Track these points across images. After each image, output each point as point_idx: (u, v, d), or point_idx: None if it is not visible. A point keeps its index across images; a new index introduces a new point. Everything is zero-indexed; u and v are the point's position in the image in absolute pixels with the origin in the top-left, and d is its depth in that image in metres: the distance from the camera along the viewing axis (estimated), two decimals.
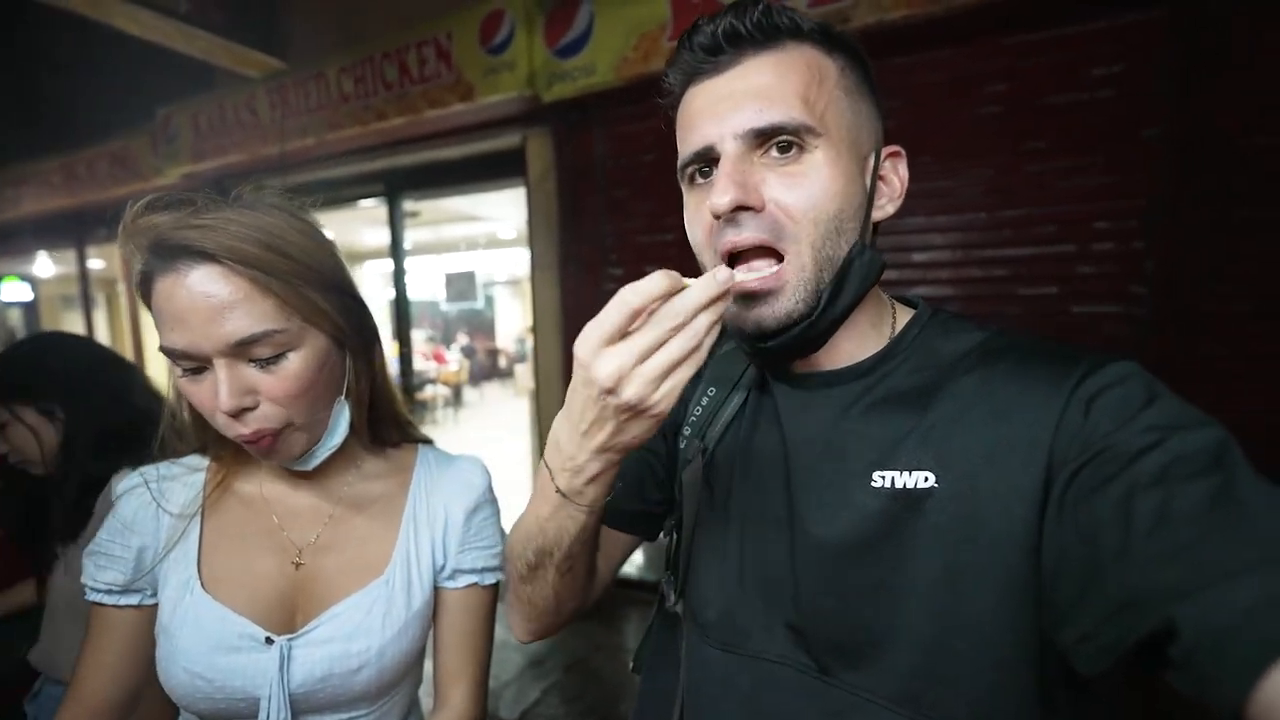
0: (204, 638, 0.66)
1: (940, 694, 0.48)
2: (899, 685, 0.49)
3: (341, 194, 3.78)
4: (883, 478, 0.51)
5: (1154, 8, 1.79)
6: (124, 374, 1.12)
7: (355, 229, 6.81)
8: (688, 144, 0.54)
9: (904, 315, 0.59)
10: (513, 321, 13.82)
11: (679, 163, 0.56)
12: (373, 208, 3.92)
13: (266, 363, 0.63)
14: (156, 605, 0.69)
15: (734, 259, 0.53)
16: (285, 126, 3.25)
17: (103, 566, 0.69)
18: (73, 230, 5.51)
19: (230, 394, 0.60)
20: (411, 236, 7.18)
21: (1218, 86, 1.75)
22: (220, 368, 0.60)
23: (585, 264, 2.84)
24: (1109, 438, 0.43)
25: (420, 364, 8.86)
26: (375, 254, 8.67)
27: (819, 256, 0.51)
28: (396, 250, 3.72)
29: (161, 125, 3.79)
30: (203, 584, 0.68)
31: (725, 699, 0.59)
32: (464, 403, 10.04)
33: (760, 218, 0.51)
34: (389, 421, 0.80)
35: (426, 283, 10.37)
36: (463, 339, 12.06)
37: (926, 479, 0.49)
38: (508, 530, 0.68)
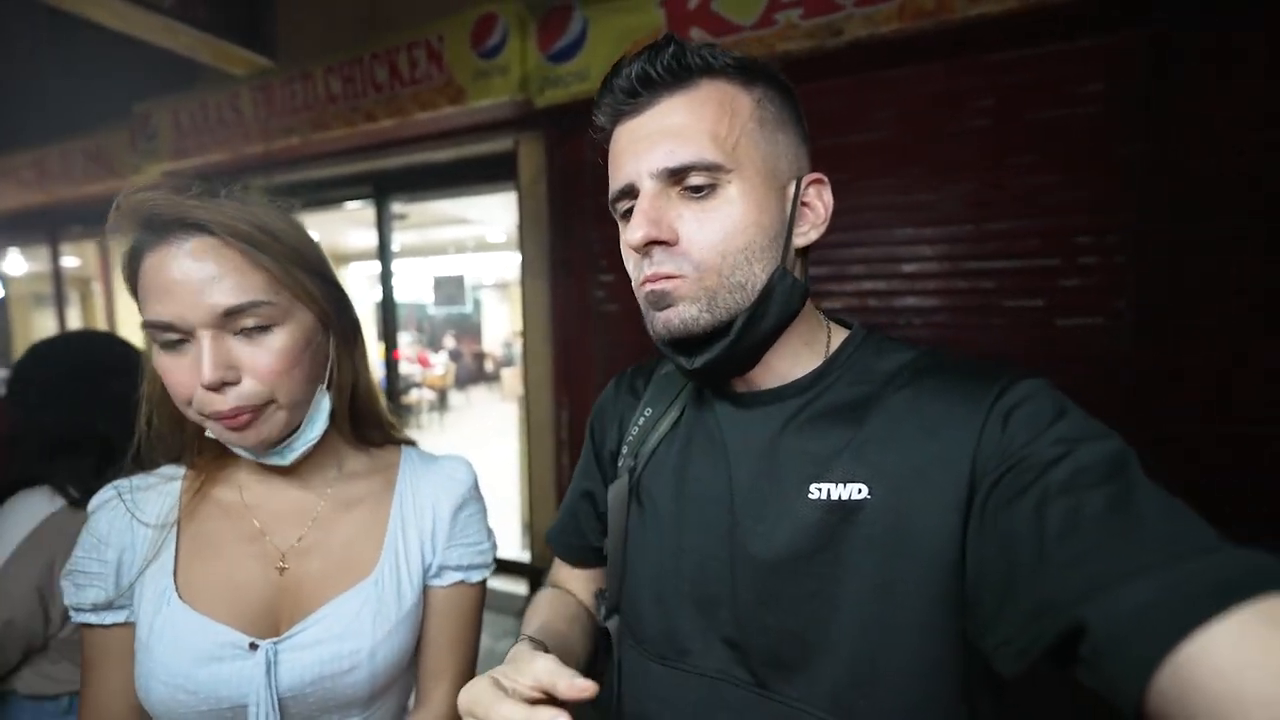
0: (183, 650, 0.63)
1: (872, 702, 0.50)
2: (832, 695, 0.51)
3: (328, 195, 3.73)
4: (819, 489, 0.53)
5: (1136, 28, 1.83)
6: (97, 385, 1.08)
7: (341, 230, 6.73)
8: (614, 181, 0.57)
9: (839, 335, 0.62)
10: (500, 325, 13.75)
11: (609, 197, 0.59)
12: (359, 209, 3.87)
13: (252, 334, 0.62)
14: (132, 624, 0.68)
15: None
16: (270, 126, 3.20)
17: (81, 585, 0.67)
18: (45, 227, 5.37)
19: (213, 365, 0.59)
20: (399, 239, 7.11)
21: (1197, 105, 1.79)
22: (204, 339, 0.60)
23: (575, 269, 2.83)
24: (1023, 449, 0.46)
25: (405, 367, 8.76)
26: (361, 256, 8.57)
27: (723, 278, 0.53)
28: (384, 253, 3.68)
29: (140, 121, 3.71)
30: (180, 595, 0.66)
31: (666, 713, 0.60)
32: (450, 407, 9.95)
33: (672, 252, 0.54)
34: (371, 419, 0.78)
35: (413, 286, 10.27)
36: (450, 342, 11.96)
37: (860, 490, 0.52)
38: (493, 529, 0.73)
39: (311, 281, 0.67)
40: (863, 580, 0.51)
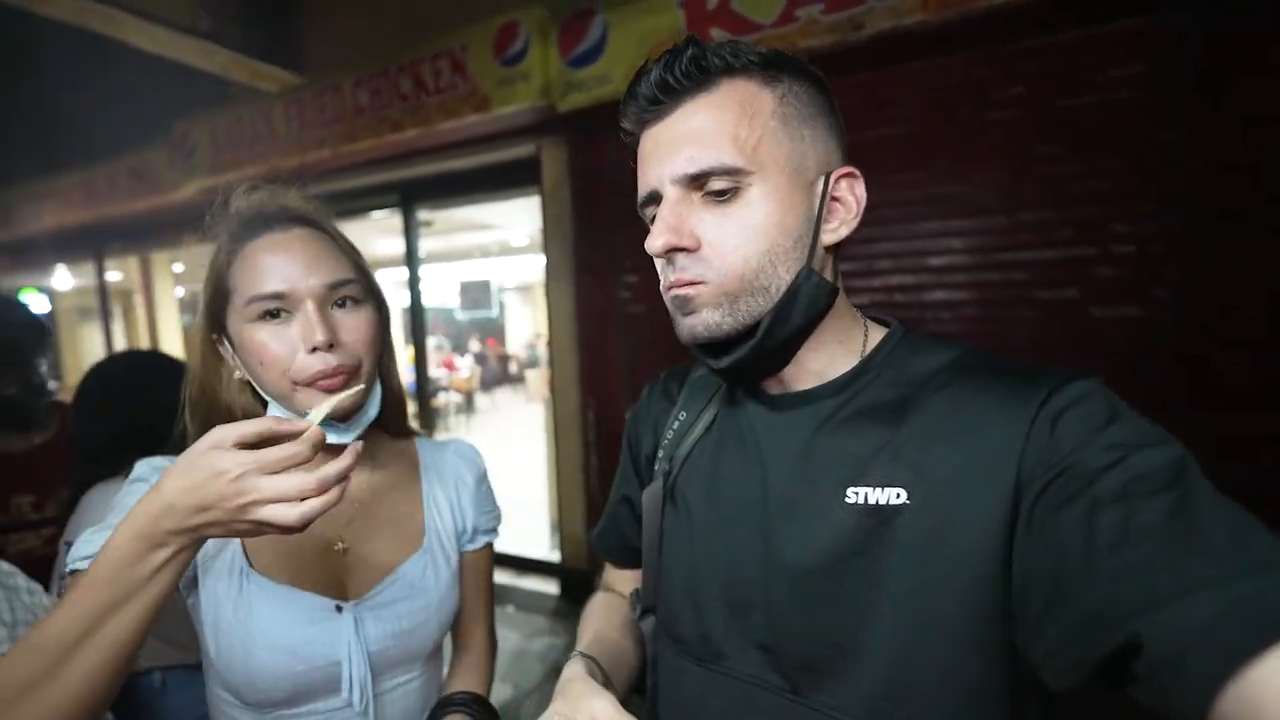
0: (279, 616, 0.70)
1: (909, 711, 0.49)
2: (867, 703, 0.50)
3: (356, 204, 3.83)
4: (856, 494, 0.52)
5: (1176, 10, 1.78)
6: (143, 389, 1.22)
7: (369, 238, 6.87)
8: (641, 186, 0.57)
9: (876, 333, 0.60)
10: (523, 327, 13.88)
11: (638, 202, 0.59)
12: (386, 217, 3.96)
13: (346, 306, 0.72)
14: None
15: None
16: (302, 139, 3.29)
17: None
18: (91, 243, 5.61)
19: (322, 327, 0.68)
20: (425, 245, 7.23)
21: (1238, 90, 1.73)
22: (312, 309, 0.69)
23: (599, 272, 2.85)
24: (1072, 455, 0.44)
25: (432, 371, 8.91)
26: (388, 263, 8.74)
27: (745, 283, 0.53)
28: (411, 259, 3.76)
29: (179, 139, 3.85)
30: (254, 569, 0.72)
31: (701, 715, 0.60)
32: (476, 409, 10.08)
33: (694, 257, 0.54)
34: (401, 411, 0.87)
35: (439, 290, 10.43)
36: (475, 346, 12.12)
37: (899, 495, 0.50)
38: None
39: (374, 281, 0.78)
40: (900, 586, 0.49)
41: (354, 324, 0.71)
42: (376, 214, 3.91)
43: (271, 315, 0.69)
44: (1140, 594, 0.37)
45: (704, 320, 0.55)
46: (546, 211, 2.99)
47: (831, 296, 0.57)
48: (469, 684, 0.85)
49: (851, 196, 0.57)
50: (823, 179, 0.55)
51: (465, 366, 10.35)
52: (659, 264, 0.58)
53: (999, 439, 0.48)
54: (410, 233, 3.71)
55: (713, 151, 0.52)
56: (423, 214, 4.01)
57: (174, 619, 0.97)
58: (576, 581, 3.11)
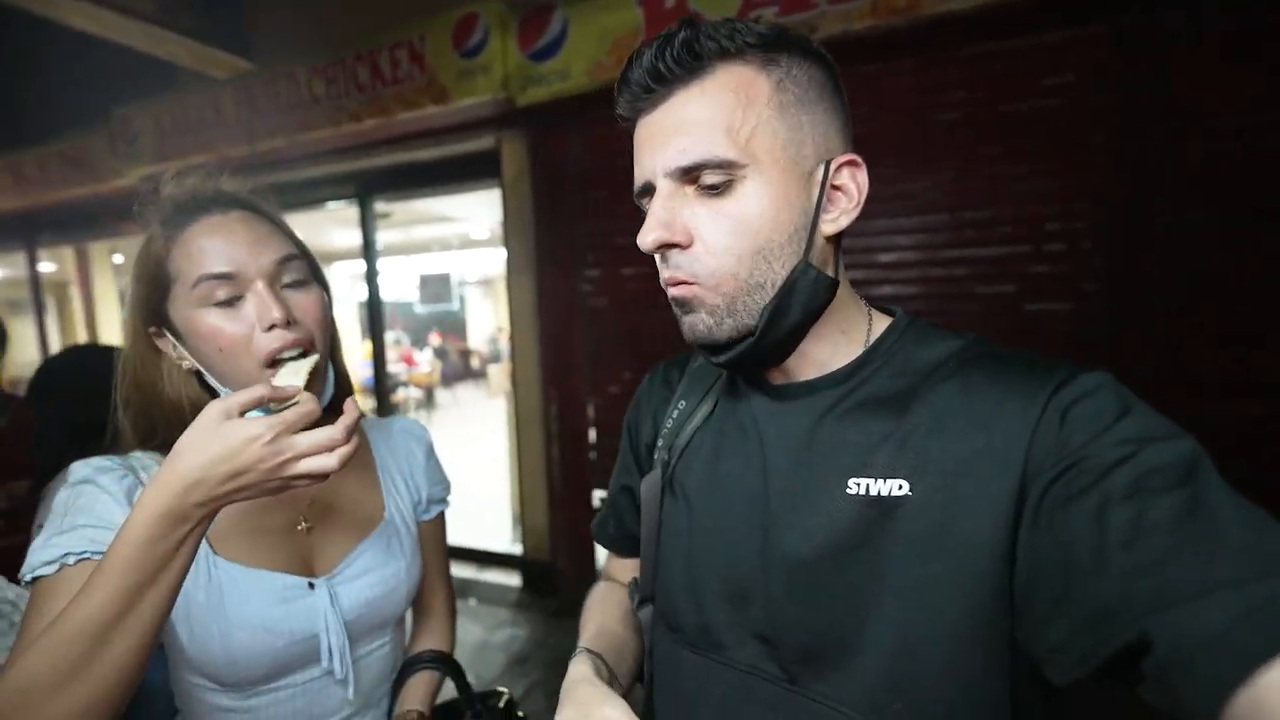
0: (252, 599, 0.71)
1: (908, 702, 0.48)
2: (866, 694, 0.50)
3: (312, 195, 3.73)
4: (858, 484, 0.51)
5: (1100, 22, 1.90)
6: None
7: (325, 230, 6.69)
8: (636, 176, 0.56)
9: (881, 322, 0.59)
10: (485, 321, 13.70)
11: (634, 193, 0.58)
12: (343, 209, 3.87)
13: (296, 285, 0.72)
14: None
15: None
16: (254, 127, 3.20)
17: (63, 534, 0.62)
18: (22, 232, 5.30)
19: (278, 305, 0.68)
20: (382, 237, 7.08)
21: (1159, 97, 1.87)
22: (263, 287, 0.68)
23: (561, 265, 2.86)
24: (1083, 449, 0.43)
25: (391, 366, 8.73)
26: (345, 255, 8.51)
27: (740, 283, 0.52)
28: (369, 251, 3.69)
29: (121, 125, 3.68)
30: (221, 555, 0.72)
31: (699, 704, 0.60)
32: (437, 404, 9.93)
33: (687, 255, 0.53)
34: (347, 389, 0.86)
35: (397, 284, 10.21)
36: (435, 340, 11.91)
37: (901, 486, 0.49)
38: None
39: (311, 259, 0.78)
40: (902, 579, 0.48)
41: (306, 302, 0.72)
42: (332, 205, 3.83)
43: (223, 297, 0.68)
44: (1152, 592, 0.36)
45: (704, 321, 0.54)
46: (507, 205, 2.98)
47: (832, 289, 0.55)
48: (432, 644, 0.89)
49: (853, 185, 0.55)
50: (822, 167, 0.53)
51: (425, 361, 10.18)
52: (656, 256, 0.57)
53: (1006, 431, 0.47)
54: (367, 224, 3.64)
55: (705, 144, 0.50)
56: (380, 206, 3.94)
57: None
58: (539, 574, 3.13)
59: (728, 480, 0.60)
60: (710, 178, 0.51)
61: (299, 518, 0.78)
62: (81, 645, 0.50)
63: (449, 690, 0.88)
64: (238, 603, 0.70)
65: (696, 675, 0.60)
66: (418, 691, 0.82)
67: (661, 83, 0.52)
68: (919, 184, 2.20)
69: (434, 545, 0.93)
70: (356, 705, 0.79)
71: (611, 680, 0.62)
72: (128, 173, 3.70)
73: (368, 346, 3.81)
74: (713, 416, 0.65)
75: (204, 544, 0.71)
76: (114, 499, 0.66)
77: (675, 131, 0.51)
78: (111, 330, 5.65)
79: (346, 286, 8.66)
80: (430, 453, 0.95)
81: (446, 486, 0.96)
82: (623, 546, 0.79)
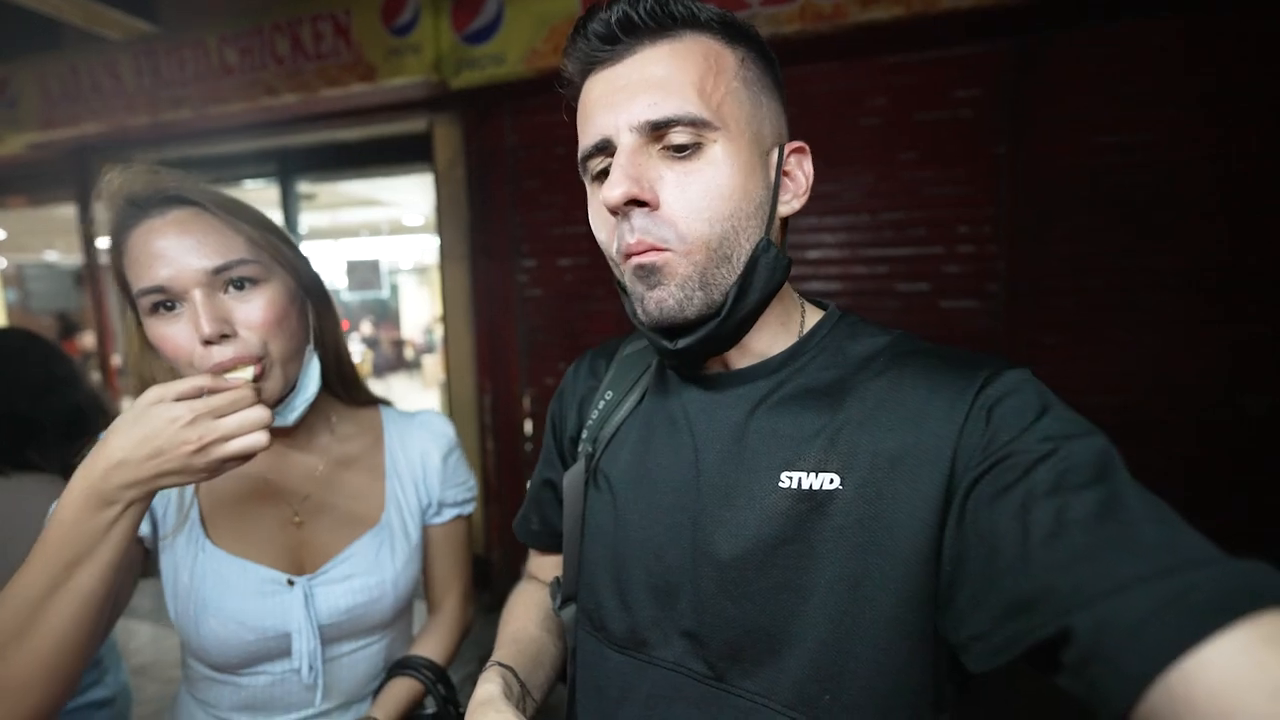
0: (229, 587, 0.72)
1: (837, 698, 0.49)
2: (795, 689, 0.50)
3: (226, 173, 3.49)
4: (790, 478, 0.51)
5: (1004, 38, 2.04)
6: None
7: None
8: (586, 135, 0.53)
9: (814, 315, 0.60)
10: (419, 311, 13.25)
11: (579, 155, 0.54)
12: (262, 189, 3.65)
13: (241, 290, 0.68)
14: (140, 542, 0.72)
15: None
16: (157, 96, 2.95)
17: None
18: None
19: (209, 318, 0.64)
20: (307, 221, 6.72)
21: (1054, 110, 2.03)
22: (199, 297, 0.65)
23: (496, 254, 2.81)
24: (1008, 446, 0.44)
25: None
26: None
27: (711, 252, 0.50)
28: (291, 234, 3.49)
29: None
30: (212, 542, 0.74)
31: (623, 705, 0.59)
32: None
33: (654, 217, 0.50)
34: (353, 380, 0.86)
35: (324, 270, 9.70)
36: (366, 329, 11.42)
37: (832, 480, 0.49)
38: None
39: (287, 249, 0.74)
40: (832, 573, 0.49)
41: (249, 310, 0.67)
42: (250, 184, 3.60)
43: (165, 307, 0.66)
44: (1072, 586, 0.38)
45: (674, 295, 0.51)
46: (440, 191, 2.90)
47: (786, 271, 0.55)
48: (428, 650, 0.86)
49: (800, 172, 0.56)
50: (777, 150, 0.54)
51: (355, 352, 9.76)
52: (605, 228, 0.54)
53: (935, 426, 0.48)
54: (289, 206, 3.44)
55: (677, 99, 0.48)
56: (303, 186, 3.73)
57: None
58: (474, 568, 3.08)
59: (656, 472, 0.59)
60: (679, 136, 0.49)
61: (292, 512, 0.78)
62: (19, 611, 0.53)
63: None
64: (216, 589, 0.72)
65: (620, 675, 0.59)
66: (388, 698, 0.78)
67: (629, 34, 0.50)
68: (843, 184, 2.30)
69: (448, 549, 0.90)
70: (335, 702, 0.79)
71: (523, 697, 0.61)
72: (8, 139, 3.34)
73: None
74: (640, 407, 0.64)
75: (198, 527, 0.74)
76: None
77: (644, 86, 0.49)
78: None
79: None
80: (450, 453, 0.90)
81: (469, 489, 0.92)
82: (545, 543, 0.77)
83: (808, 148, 0.56)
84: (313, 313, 0.78)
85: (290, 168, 3.38)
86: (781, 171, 0.54)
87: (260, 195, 3.81)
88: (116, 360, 4.22)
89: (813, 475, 0.50)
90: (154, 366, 0.73)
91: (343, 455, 0.83)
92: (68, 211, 3.99)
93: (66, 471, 1.08)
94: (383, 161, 3.21)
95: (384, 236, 8.60)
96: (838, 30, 2.10)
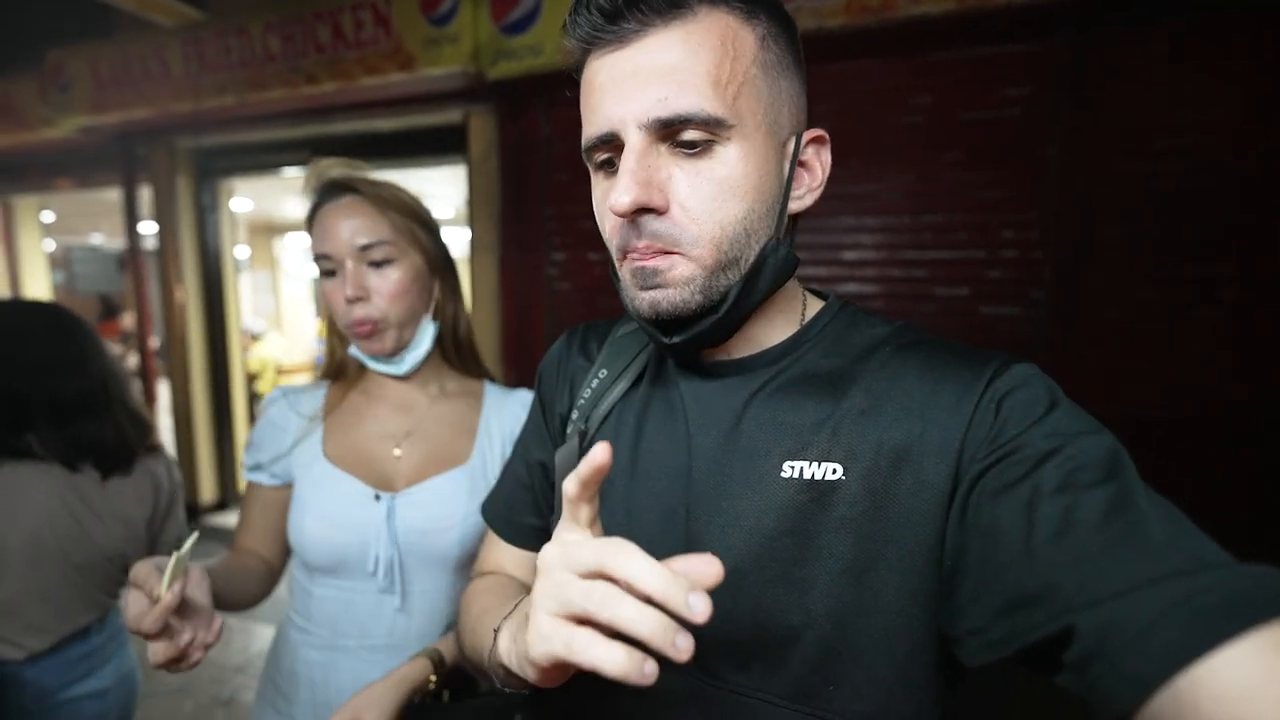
0: (328, 493, 0.88)
1: (839, 689, 0.48)
2: (795, 682, 0.49)
3: (263, 160, 3.55)
4: (792, 468, 0.50)
5: (1057, 36, 1.97)
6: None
7: (277, 198, 6.39)
8: (591, 124, 0.50)
9: (814, 305, 0.59)
10: None
11: (583, 143, 0.51)
12: (298, 177, 3.70)
13: (379, 266, 0.89)
14: (288, 486, 0.94)
15: None
16: (201, 82, 3.01)
17: (250, 453, 0.96)
18: None
19: (352, 284, 0.87)
20: None
21: (1106, 111, 1.95)
22: (349, 266, 0.88)
23: (526, 247, 2.81)
24: (1015, 440, 0.43)
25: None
26: (297, 226, 8.16)
27: (720, 254, 0.48)
28: None
29: (53, 70, 3.41)
30: (327, 458, 0.91)
31: (603, 702, 0.57)
32: None
33: (662, 220, 0.48)
34: (469, 353, 1.02)
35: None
36: None
37: (835, 470, 0.48)
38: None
39: (423, 232, 0.93)
40: (834, 565, 0.47)
41: (380, 281, 0.88)
42: (288, 171, 3.65)
43: (329, 273, 0.89)
44: (1078, 586, 0.37)
45: (671, 298, 0.49)
46: (473, 182, 2.90)
47: (794, 268, 0.53)
48: None
49: (818, 163, 0.53)
50: (794, 139, 0.51)
51: None
52: (609, 223, 0.52)
53: (942, 418, 0.47)
54: None
55: (691, 96, 0.45)
56: None
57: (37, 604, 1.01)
58: None
59: (649, 459, 0.57)
60: (691, 134, 0.46)
61: (395, 443, 0.94)
62: None
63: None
64: (319, 494, 0.88)
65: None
66: (450, 639, 0.85)
67: (637, 11, 0.45)
68: (882, 185, 2.24)
69: None
70: (410, 628, 0.89)
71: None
72: (60, 122, 3.44)
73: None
74: (636, 390, 0.62)
75: (318, 444, 0.93)
76: (268, 422, 0.97)
77: (654, 77, 0.45)
78: (38, 293, 5.27)
79: (300, 261, 8.32)
80: None
81: None
82: (523, 537, 0.70)
83: (827, 136, 0.53)
84: (439, 289, 0.96)
85: (325, 156, 3.41)
86: (798, 162, 0.51)
87: (296, 183, 3.87)
88: (155, 342, 4.33)
89: (815, 465, 0.49)
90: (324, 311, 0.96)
91: (446, 408, 0.98)
92: (112, 195, 4.10)
93: (67, 459, 1.09)
94: (417, 152, 3.23)
95: None
96: (884, 25, 2.04)
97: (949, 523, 0.45)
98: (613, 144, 0.49)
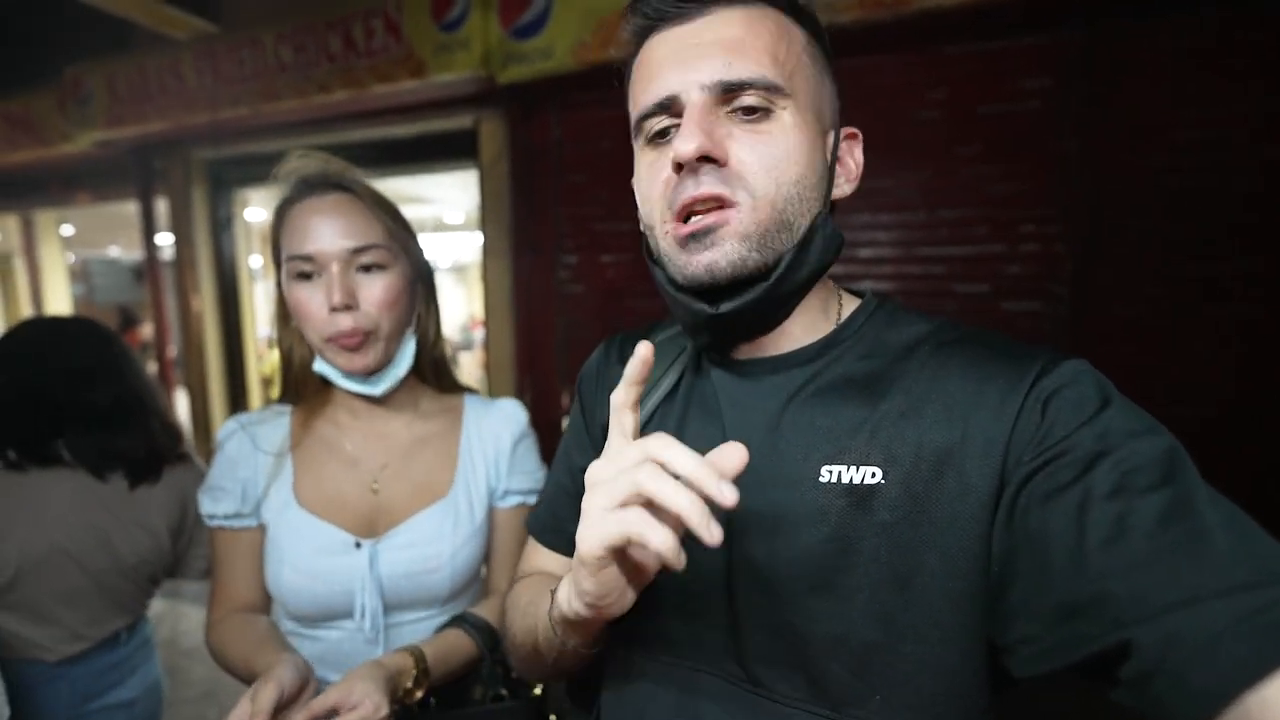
0: (305, 543, 0.81)
1: (885, 698, 0.46)
2: (839, 692, 0.47)
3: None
4: (830, 472, 0.49)
5: (1074, 28, 1.93)
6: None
7: None
8: (648, 93, 0.51)
9: (850, 303, 0.58)
10: (456, 310, 13.47)
11: (635, 115, 0.53)
12: None
13: (369, 270, 0.80)
14: (262, 527, 0.85)
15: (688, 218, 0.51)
16: (216, 94, 3.04)
17: (218, 499, 0.86)
18: None
19: (340, 290, 0.77)
20: None
21: (1125, 104, 1.91)
22: (335, 270, 0.77)
23: (538, 250, 2.81)
24: (1064, 442, 0.42)
25: None
26: None
27: (776, 213, 0.49)
28: None
29: (71, 86, 3.47)
30: (298, 502, 0.83)
31: (651, 707, 0.56)
32: None
33: (723, 173, 0.49)
34: (443, 368, 0.94)
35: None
36: None
37: (874, 474, 0.47)
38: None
39: (410, 242, 0.86)
40: (878, 573, 0.46)
41: (373, 288, 0.79)
42: None
43: (305, 276, 0.78)
44: (1135, 597, 0.35)
45: (728, 254, 0.49)
46: (484, 187, 2.91)
47: (839, 249, 0.54)
48: (482, 611, 0.89)
49: (851, 159, 0.56)
50: (834, 133, 0.54)
51: None
52: (658, 189, 0.52)
53: (986, 419, 0.45)
54: None
55: (752, 63, 0.48)
56: None
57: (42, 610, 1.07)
58: None
59: None
60: (751, 98, 0.49)
61: (371, 479, 0.86)
62: None
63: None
64: (295, 544, 0.81)
65: (647, 678, 0.56)
66: (435, 639, 0.82)
67: None
68: (897, 180, 2.21)
69: (508, 534, 0.92)
70: None
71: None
72: (78, 137, 3.49)
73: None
74: (675, 394, 0.62)
75: (289, 487, 0.84)
76: (229, 460, 0.86)
77: (718, 47, 0.49)
78: (60, 307, 5.36)
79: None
80: (521, 440, 0.93)
81: (534, 479, 0.93)
82: (569, 545, 0.71)
83: (860, 134, 0.56)
84: (420, 301, 0.88)
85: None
86: (836, 155, 0.55)
87: None
88: (173, 351, 4.38)
89: (854, 469, 0.48)
90: (283, 329, 0.86)
91: (423, 433, 0.90)
92: (129, 208, 4.15)
93: (97, 467, 1.09)
94: (428, 158, 3.25)
95: (426, 234, 8.76)
96: (898, 18, 2.01)
97: (995, 527, 0.44)
98: (670, 109, 0.51)
